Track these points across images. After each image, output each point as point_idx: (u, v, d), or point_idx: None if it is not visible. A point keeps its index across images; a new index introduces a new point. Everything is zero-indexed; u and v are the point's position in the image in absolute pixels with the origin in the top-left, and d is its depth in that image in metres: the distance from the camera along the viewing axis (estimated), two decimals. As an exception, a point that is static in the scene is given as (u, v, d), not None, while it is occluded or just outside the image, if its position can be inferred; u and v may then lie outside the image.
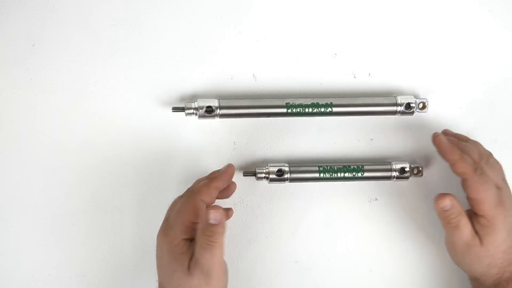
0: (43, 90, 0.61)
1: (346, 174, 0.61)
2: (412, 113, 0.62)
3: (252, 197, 0.64)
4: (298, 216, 0.64)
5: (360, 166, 0.62)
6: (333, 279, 0.65)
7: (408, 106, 0.62)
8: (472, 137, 0.64)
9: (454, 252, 0.59)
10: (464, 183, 0.57)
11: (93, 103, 0.62)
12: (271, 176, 0.61)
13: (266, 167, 0.61)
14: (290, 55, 0.63)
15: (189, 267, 0.52)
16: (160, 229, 0.56)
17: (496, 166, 0.59)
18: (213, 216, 0.51)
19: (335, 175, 0.61)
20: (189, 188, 0.58)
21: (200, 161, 0.63)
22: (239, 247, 0.64)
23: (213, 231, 0.51)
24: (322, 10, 0.63)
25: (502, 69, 0.65)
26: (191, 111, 0.60)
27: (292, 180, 0.61)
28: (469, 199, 0.57)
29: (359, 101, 0.62)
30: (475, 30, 0.65)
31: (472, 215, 0.57)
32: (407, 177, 0.62)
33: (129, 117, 0.62)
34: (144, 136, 0.62)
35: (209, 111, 0.60)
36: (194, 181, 0.60)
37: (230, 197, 0.62)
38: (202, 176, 0.59)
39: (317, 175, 0.61)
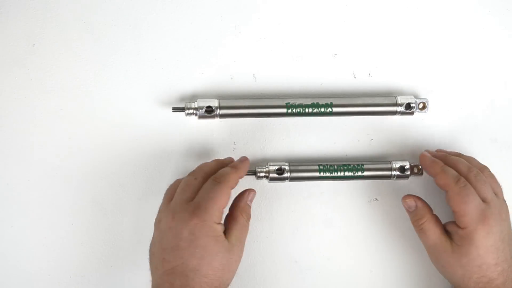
0: (43, 90, 0.61)
1: (346, 173, 0.61)
2: (412, 113, 0.62)
3: (252, 197, 0.64)
4: (298, 216, 0.64)
5: (360, 165, 0.62)
6: (333, 279, 0.65)
7: (408, 106, 0.62)
8: (472, 137, 0.64)
9: (429, 256, 0.60)
10: (446, 196, 0.57)
11: (93, 103, 0.62)
12: (271, 175, 0.61)
13: (266, 166, 0.61)
14: (290, 55, 0.63)
15: (230, 248, 0.55)
16: (181, 214, 0.54)
17: (490, 180, 0.59)
18: (251, 197, 0.60)
19: (335, 174, 0.61)
20: (214, 176, 0.57)
21: (200, 161, 0.63)
22: (239, 247, 0.64)
23: (250, 211, 0.59)
24: (322, 10, 0.63)
25: (502, 69, 0.65)
26: (191, 111, 0.60)
27: (292, 179, 0.61)
28: (454, 212, 0.57)
29: (359, 101, 0.62)
30: (475, 30, 0.65)
31: (453, 225, 0.57)
32: (407, 176, 0.62)
33: (129, 117, 0.62)
34: (144, 136, 0.62)
35: (209, 111, 0.60)
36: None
37: (230, 198, 0.63)
38: (209, 161, 0.59)
39: (317, 174, 0.61)
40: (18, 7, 0.61)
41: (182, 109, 0.60)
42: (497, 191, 0.59)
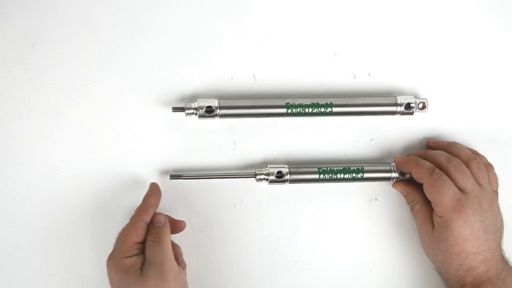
0: (43, 90, 0.61)
1: (346, 176, 0.61)
2: (412, 113, 0.62)
3: (252, 198, 0.64)
4: (298, 216, 0.64)
5: (360, 168, 0.62)
6: (333, 279, 0.65)
7: (408, 106, 0.62)
8: (472, 137, 0.64)
9: (419, 236, 0.62)
10: (423, 188, 0.59)
11: (93, 103, 0.62)
12: (271, 177, 0.61)
13: (266, 168, 0.61)
14: (290, 55, 0.63)
15: (141, 272, 0.54)
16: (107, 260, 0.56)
17: (476, 171, 0.59)
18: (157, 219, 0.58)
19: (335, 176, 0.61)
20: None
21: (200, 161, 0.63)
22: (239, 247, 0.64)
23: (159, 231, 0.57)
24: (322, 10, 0.63)
25: (502, 69, 0.65)
26: (191, 111, 0.60)
27: (292, 181, 0.61)
28: (431, 202, 0.58)
29: (359, 101, 0.62)
30: (475, 30, 0.65)
31: (434, 214, 0.59)
32: (406, 178, 0.62)
33: (129, 117, 0.62)
34: (144, 136, 0.62)
35: (209, 111, 0.60)
36: (195, 185, 0.61)
37: (230, 198, 0.63)
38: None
39: (316, 176, 0.61)
40: (18, 7, 0.61)
41: (182, 109, 0.60)
42: (482, 182, 0.59)
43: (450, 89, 0.65)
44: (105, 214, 0.62)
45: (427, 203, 0.60)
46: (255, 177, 0.61)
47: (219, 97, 0.62)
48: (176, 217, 0.62)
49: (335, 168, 0.61)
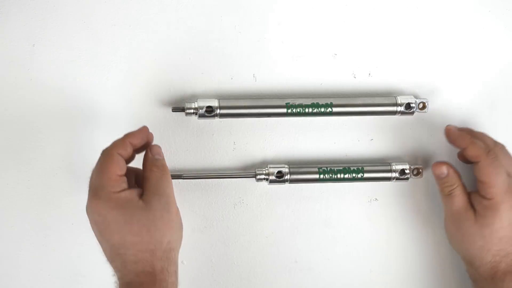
0: (43, 90, 0.61)
1: (346, 176, 0.61)
2: (412, 113, 0.62)
3: (252, 198, 0.64)
4: (298, 216, 0.64)
5: (360, 168, 0.62)
6: (333, 279, 0.65)
7: (408, 106, 0.62)
8: (472, 137, 0.64)
9: (448, 226, 0.60)
10: (476, 166, 0.58)
11: (93, 103, 0.62)
12: (271, 177, 0.61)
13: (266, 168, 0.61)
14: (290, 55, 0.63)
15: (146, 205, 0.52)
16: (87, 202, 0.53)
17: (509, 156, 0.59)
18: (157, 151, 0.56)
19: (335, 176, 0.61)
20: (103, 150, 0.55)
21: (200, 161, 0.63)
22: (239, 247, 0.64)
23: (163, 163, 0.55)
24: (322, 10, 0.63)
25: (502, 69, 0.65)
26: (191, 111, 0.60)
27: (292, 181, 0.61)
28: (478, 182, 0.58)
29: (359, 101, 0.62)
30: (475, 30, 0.65)
31: (477, 196, 0.58)
32: (407, 178, 0.63)
33: (130, 117, 0.62)
34: (144, 136, 0.62)
35: (209, 111, 0.60)
36: (195, 185, 0.61)
37: (230, 198, 0.63)
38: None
39: (316, 176, 0.61)
40: (18, 7, 0.61)
41: (182, 109, 0.60)
42: None
43: (450, 89, 0.65)
44: (105, 214, 0.62)
45: (464, 188, 0.59)
46: (255, 177, 0.61)
47: (219, 97, 0.62)
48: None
49: (335, 168, 0.62)
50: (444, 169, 0.60)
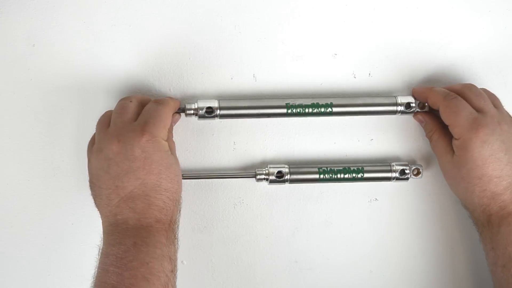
0: (43, 90, 0.61)
1: (346, 176, 0.61)
2: (412, 112, 0.62)
3: (252, 198, 0.64)
4: (298, 216, 0.64)
5: (360, 168, 0.62)
6: (333, 279, 0.65)
7: (408, 106, 0.62)
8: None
9: (441, 170, 0.61)
10: (439, 112, 0.59)
11: (93, 103, 0.62)
12: (271, 177, 0.61)
13: (266, 168, 0.61)
14: (290, 55, 0.63)
15: (176, 159, 0.56)
16: (133, 134, 0.52)
17: (488, 94, 0.59)
18: (176, 120, 0.60)
19: (335, 176, 0.61)
20: (155, 100, 0.58)
21: (200, 161, 0.63)
22: (239, 247, 0.64)
23: (171, 131, 0.59)
24: (322, 10, 0.63)
25: (502, 69, 0.65)
26: (191, 111, 0.60)
27: (292, 181, 0.61)
28: (448, 127, 0.58)
29: (359, 101, 0.62)
30: (475, 30, 0.65)
31: (453, 138, 0.58)
32: (407, 179, 0.63)
33: (129, 117, 0.62)
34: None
35: (209, 112, 0.60)
36: (195, 185, 0.61)
37: (230, 198, 0.63)
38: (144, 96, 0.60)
39: (316, 176, 0.61)
40: (18, 7, 0.61)
41: (182, 110, 0.60)
42: (498, 105, 0.59)
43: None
44: (105, 214, 0.62)
45: (445, 132, 0.59)
46: (255, 177, 0.61)
47: (219, 97, 0.62)
48: (176, 217, 0.62)
49: (335, 168, 0.62)
50: (421, 117, 0.62)
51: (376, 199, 0.65)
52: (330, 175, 0.61)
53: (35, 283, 0.63)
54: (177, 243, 0.55)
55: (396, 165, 0.63)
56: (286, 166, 0.62)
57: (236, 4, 0.62)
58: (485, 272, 0.65)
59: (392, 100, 0.62)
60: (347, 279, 0.65)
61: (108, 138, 0.53)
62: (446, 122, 0.58)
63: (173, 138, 0.62)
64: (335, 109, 0.61)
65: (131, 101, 0.56)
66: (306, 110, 0.61)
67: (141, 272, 0.50)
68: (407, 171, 0.63)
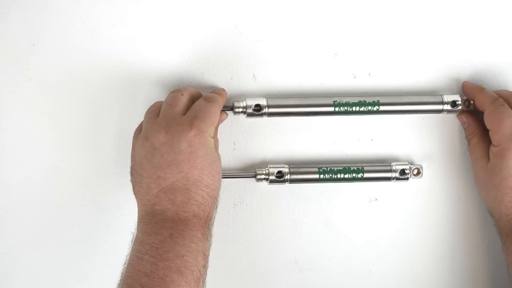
0: (43, 90, 0.61)
1: (346, 176, 0.61)
2: (458, 111, 0.62)
3: (252, 198, 0.64)
4: (298, 216, 0.64)
5: (360, 168, 0.62)
6: (333, 279, 0.65)
7: (454, 104, 0.62)
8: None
9: (474, 176, 0.62)
10: (484, 115, 0.59)
11: (93, 103, 0.62)
12: (271, 177, 0.61)
13: (266, 168, 0.61)
14: (290, 55, 0.63)
15: (219, 157, 0.56)
16: (182, 128, 0.53)
17: None
18: (222, 119, 0.61)
19: (335, 176, 0.61)
20: (205, 96, 0.58)
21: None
22: (239, 247, 0.64)
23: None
24: (322, 10, 0.63)
25: (502, 69, 0.65)
26: (240, 109, 0.60)
27: (292, 181, 0.61)
28: (489, 131, 0.58)
29: (406, 99, 0.62)
30: (475, 30, 0.65)
31: (491, 145, 0.58)
32: (407, 178, 0.63)
33: (128, 117, 0.62)
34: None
35: (257, 110, 0.60)
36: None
37: (230, 198, 0.63)
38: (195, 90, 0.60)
39: (316, 176, 0.61)
40: (18, 7, 0.61)
41: (230, 108, 0.60)
42: None
43: (450, 89, 0.65)
44: (105, 214, 0.62)
45: (484, 138, 0.60)
46: (255, 177, 0.61)
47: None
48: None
49: (335, 168, 0.62)
50: (464, 119, 0.62)
51: (376, 199, 0.65)
52: (330, 175, 0.61)
53: (35, 283, 0.63)
54: (211, 240, 0.55)
55: (396, 165, 0.63)
56: (286, 166, 0.62)
57: (236, 4, 0.62)
58: (485, 272, 0.65)
59: (438, 99, 0.62)
60: (347, 279, 0.65)
61: (156, 127, 0.53)
62: (488, 126, 0.58)
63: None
64: (382, 108, 0.61)
65: (182, 94, 0.57)
66: (353, 108, 0.61)
67: (176, 264, 0.50)
68: (407, 171, 0.63)
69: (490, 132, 0.58)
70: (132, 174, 0.55)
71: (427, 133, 0.65)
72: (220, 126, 0.63)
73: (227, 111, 0.61)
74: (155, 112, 0.56)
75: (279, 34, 0.63)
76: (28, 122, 0.61)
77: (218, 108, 0.57)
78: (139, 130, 0.57)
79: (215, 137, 0.58)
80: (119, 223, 0.62)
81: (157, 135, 0.53)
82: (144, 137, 0.54)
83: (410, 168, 0.63)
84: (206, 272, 0.53)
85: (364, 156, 0.65)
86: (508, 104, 0.58)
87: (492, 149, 0.58)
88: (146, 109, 0.58)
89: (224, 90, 0.61)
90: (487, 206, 0.61)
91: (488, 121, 0.58)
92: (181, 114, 0.55)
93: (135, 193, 0.55)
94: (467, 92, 0.62)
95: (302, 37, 0.63)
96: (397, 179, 0.63)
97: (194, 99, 0.58)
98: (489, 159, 0.59)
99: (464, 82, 0.63)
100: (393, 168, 0.62)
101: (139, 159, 0.54)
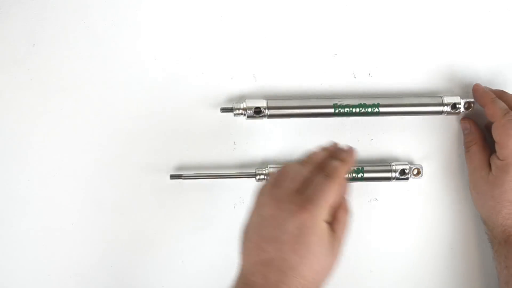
0: (43, 90, 0.61)
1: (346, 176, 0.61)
2: (458, 113, 0.62)
3: (252, 198, 0.63)
4: (298, 216, 0.64)
5: (360, 168, 0.62)
6: (333, 279, 0.65)
7: (454, 106, 0.61)
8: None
9: (470, 183, 0.62)
10: (492, 126, 0.59)
11: (92, 103, 0.62)
12: (271, 177, 0.61)
13: (266, 168, 0.61)
14: (290, 55, 0.63)
15: (332, 248, 0.50)
16: (289, 202, 0.49)
17: None
18: (345, 191, 0.53)
19: (335, 176, 0.61)
20: (326, 170, 0.51)
21: (200, 161, 0.63)
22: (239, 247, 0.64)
23: (347, 206, 0.53)
24: (322, 10, 0.63)
25: (502, 69, 0.65)
26: (239, 111, 0.60)
27: (292, 181, 0.61)
28: (495, 142, 0.58)
29: (406, 101, 0.62)
30: (475, 30, 0.65)
31: (494, 156, 0.58)
32: (407, 178, 0.63)
33: (128, 117, 0.62)
34: (141, 136, 0.62)
35: (258, 112, 0.60)
36: (195, 185, 0.60)
37: (230, 198, 0.63)
38: (318, 151, 0.55)
39: (316, 176, 0.61)
40: (18, 7, 0.61)
41: (230, 110, 0.60)
42: None
43: (449, 89, 0.65)
44: (105, 214, 0.62)
45: (485, 147, 0.60)
46: (255, 177, 0.61)
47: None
48: (176, 217, 0.62)
49: (335, 169, 0.62)
50: (467, 124, 0.62)
51: (376, 199, 0.65)
52: (330, 175, 0.61)
53: (35, 283, 0.63)
54: None
55: (396, 165, 0.63)
56: (286, 166, 0.62)
57: (236, 4, 0.62)
58: (485, 272, 0.65)
59: (438, 101, 0.62)
60: (347, 279, 0.65)
61: (271, 199, 0.50)
62: (496, 139, 0.58)
63: (173, 139, 0.62)
64: (382, 109, 0.61)
65: (306, 169, 0.52)
66: (354, 110, 0.61)
67: None
68: (407, 171, 0.63)
69: (496, 145, 0.58)
70: (243, 232, 0.52)
71: (427, 133, 0.65)
72: (220, 126, 0.63)
73: (229, 116, 0.60)
74: (277, 180, 0.51)
75: (279, 34, 0.63)
76: (28, 122, 0.61)
77: (336, 185, 0.50)
78: (267, 188, 0.52)
79: (337, 223, 0.51)
80: (119, 223, 0.62)
81: (270, 206, 0.50)
82: (261, 203, 0.51)
83: (410, 168, 0.63)
84: None
85: (364, 156, 0.65)
86: None
87: (497, 162, 0.58)
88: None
89: (353, 152, 0.54)
90: (481, 214, 0.61)
91: (496, 134, 0.58)
92: (297, 191, 0.50)
93: (241, 254, 0.52)
94: (477, 97, 0.61)
95: (302, 37, 0.63)
96: (397, 179, 0.63)
97: (321, 166, 0.52)
98: (489, 169, 0.59)
99: (475, 84, 0.62)
100: (393, 168, 0.63)
101: (250, 220, 0.51)
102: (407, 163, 0.63)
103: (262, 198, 0.51)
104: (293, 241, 0.48)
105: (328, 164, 0.52)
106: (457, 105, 0.62)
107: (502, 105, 0.59)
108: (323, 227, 0.49)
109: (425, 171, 0.64)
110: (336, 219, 0.51)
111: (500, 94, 0.61)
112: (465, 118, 0.63)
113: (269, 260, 0.48)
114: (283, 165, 0.53)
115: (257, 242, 0.49)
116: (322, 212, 0.49)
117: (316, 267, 0.48)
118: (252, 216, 0.51)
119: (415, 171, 0.63)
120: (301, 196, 0.49)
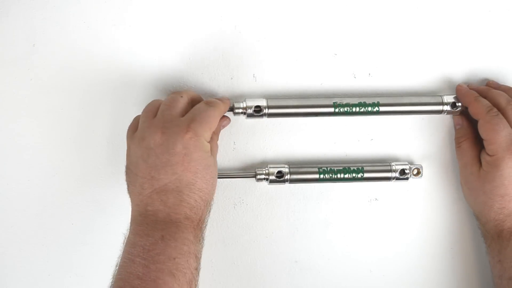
0: (43, 90, 0.61)
1: (346, 176, 0.61)
2: (458, 112, 0.62)
3: (252, 198, 0.64)
4: (298, 216, 0.64)
5: (360, 168, 0.62)
6: (333, 279, 0.65)
7: (453, 105, 0.62)
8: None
9: (461, 179, 0.63)
10: (478, 124, 0.59)
11: (92, 103, 0.62)
12: (271, 177, 0.61)
13: (266, 168, 0.61)
14: (290, 55, 0.63)
15: (215, 161, 0.56)
16: (178, 130, 0.53)
17: None
18: (225, 124, 0.61)
19: (335, 176, 0.61)
20: (206, 100, 0.58)
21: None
22: (239, 247, 0.64)
23: (218, 134, 0.60)
24: (322, 10, 0.63)
25: (502, 69, 0.65)
26: (240, 110, 0.60)
27: (292, 181, 0.61)
28: (483, 140, 0.58)
29: (405, 100, 0.62)
30: (475, 30, 0.65)
31: (484, 152, 0.59)
32: (407, 178, 0.63)
33: (127, 117, 0.62)
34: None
35: (257, 111, 0.60)
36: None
37: (230, 198, 0.64)
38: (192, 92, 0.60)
39: (316, 176, 0.61)
40: (18, 7, 0.61)
41: (230, 109, 0.60)
42: None
43: (450, 89, 0.65)
44: (105, 214, 0.62)
45: (476, 143, 0.60)
46: (255, 177, 0.61)
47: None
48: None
49: (335, 168, 0.62)
50: (460, 120, 0.63)
51: (376, 199, 0.65)
52: (330, 175, 0.61)
53: (35, 283, 0.63)
54: (203, 243, 0.56)
55: (396, 165, 0.63)
56: (286, 166, 0.62)
57: (236, 4, 0.62)
58: (484, 272, 0.65)
59: (437, 100, 0.62)
60: (347, 279, 0.65)
61: (153, 128, 0.54)
62: (483, 136, 0.58)
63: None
64: (382, 108, 0.61)
65: (181, 96, 0.57)
66: (353, 109, 0.61)
67: (168, 266, 0.50)
68: (407, 171, 0.63)
69: (484, 142, 0.58)
70: (127, 173, 0.55)
71: (427, 133, 0.65)
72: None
73: (229, 115, 0.61)
74: (152, 112, 0.56)
75: (279, 34, 0.63)
76: (28, 122, 0.61)
77: (218, 113, 0.56)
78: (132, 129, 0.57)
79: (213, 142, 0.58)
80: (119, 223, 0.62)
81: (153, 135, 0.53)
82: (141, 137, 0.54)
83: (410, 168, 0.63)
84: (198, 274, 0.53)
85: (364, 156, 0.65)
86: (503, 113, 0.58)
87: (486, 158, 0.58)
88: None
89: (227, 98, 0.61)
90: (473, 209, 0.62)
91: (483, 131, 0.58)
92: (179, 116, 0.55)
93: (129, 193, 0.55)
94: (461, 97, 0.62)
95: (302, 37, 0.63)
96: (397, 179, 0.63)
97: (194, 102, 0.58)
98: (480, 165, 0.59)
99: (458, 85, 0.63)
100: (393, 168, 0.63)
101: (134, 158, 0.54)
102: (407, 163, 0.63)
103: (141, 133, 0.54)
104: (183, 160, 0.52)
105: (207, 99, 0.58)
106: (456, 104, 0.62)
107: (485, 102, 0.59)
108: (206, 145, 0.54)
109: (425, 171, 0.64)
110: (211, 140, 0.56)
111: (486, 91, 0.61)
112: (460, 114, 0.63)
113: (164, 186, 0.52)
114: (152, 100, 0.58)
115: (147, 173, 0.52)
116: (205, 132, 0.54)
117: (208, 177, 0.54)
118: (134, 152, 0.54)
119: (415, 171, 0.63)
120: (185, 119, 0.54)
